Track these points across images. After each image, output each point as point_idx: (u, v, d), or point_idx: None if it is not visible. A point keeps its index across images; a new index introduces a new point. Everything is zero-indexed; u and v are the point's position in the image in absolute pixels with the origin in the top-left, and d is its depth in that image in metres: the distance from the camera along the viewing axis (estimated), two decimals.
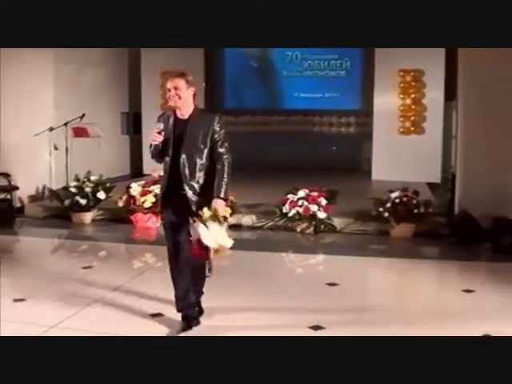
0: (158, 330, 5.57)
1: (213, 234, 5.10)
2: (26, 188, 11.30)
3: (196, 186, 5.52)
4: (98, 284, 6.90)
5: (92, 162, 11.46)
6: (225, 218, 5.45)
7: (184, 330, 5.56)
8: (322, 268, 8.40)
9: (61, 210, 10.59)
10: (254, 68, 16.00)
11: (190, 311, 5.68)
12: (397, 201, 9.23)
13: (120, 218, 10.15)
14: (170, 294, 6.00)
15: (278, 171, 13.80)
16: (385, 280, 7.67)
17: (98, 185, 10.41)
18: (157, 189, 9.80)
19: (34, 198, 11.47)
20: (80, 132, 11.63)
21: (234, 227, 9.62)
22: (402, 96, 13.65)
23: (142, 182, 10.14)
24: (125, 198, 10.05)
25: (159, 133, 5.53)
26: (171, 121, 5.62)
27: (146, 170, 12.92)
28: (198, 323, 5.69)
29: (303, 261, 8.49)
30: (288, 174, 12.89)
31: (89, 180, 10.42)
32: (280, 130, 15.57)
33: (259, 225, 9.84)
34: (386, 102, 13.64)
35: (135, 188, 9.98)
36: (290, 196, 9.63)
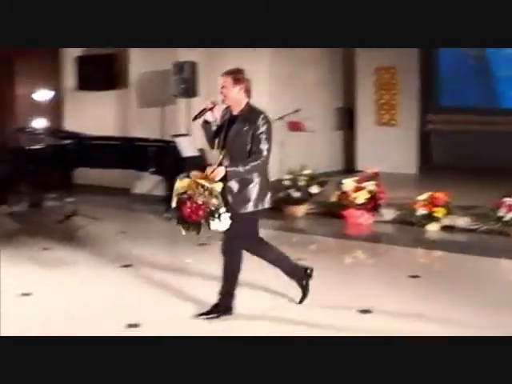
0: (370, 327, 5.56)
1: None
2: None
3: (235, 184, 5.60)
4: None
5: (305, 156, 11.63)
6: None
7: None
8: None
9: (274, 201, 10.81)
10: (470, 67, 15.50)
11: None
12: None
13: (332, 212, 10.21)
14: (384, 290, 5.99)
15: (494, 172, 13.30)
16: None
17: (311, 179, 10.56)
18: (370, 185, 9.81)
19: None
20: (295, 126, 11.83)
21: (447, 228, 9.42)
22: None
23: (356, 178, 10.16)
24: (337, 193, 10.13)
25: (213, 104, 5.74)
26: (228, 115, 5.77)
27: (358, 167, 12.93)
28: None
29: None
30: (504, 176, 12.41)
31: (303, 174, 10.59)
32: (497, 131, 14.99)
33: (473, 227, 9.55)
34: None
35: (348, 183, 10.02)
36: (507, 199, 9.27)
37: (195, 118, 5.85)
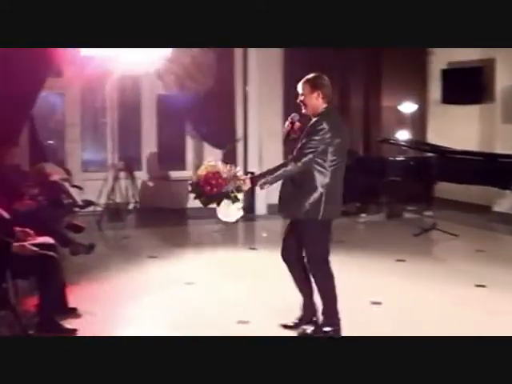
0: None
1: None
2: None
3: (287, 191, 5.33)
4: None
5: None
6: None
7: None
8: None
9: None
10: None
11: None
12: None
13: None
14: None
15: None
16: None
17: None
18: None
19: None
20: None
21: None
22: None
23: None
24: None
25: (292, 123, 5.45)
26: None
27: None
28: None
29: None
30: None
31: None
32: None
33: None
34: None
35: None
36: None
37: (285, 139, 5.62)
